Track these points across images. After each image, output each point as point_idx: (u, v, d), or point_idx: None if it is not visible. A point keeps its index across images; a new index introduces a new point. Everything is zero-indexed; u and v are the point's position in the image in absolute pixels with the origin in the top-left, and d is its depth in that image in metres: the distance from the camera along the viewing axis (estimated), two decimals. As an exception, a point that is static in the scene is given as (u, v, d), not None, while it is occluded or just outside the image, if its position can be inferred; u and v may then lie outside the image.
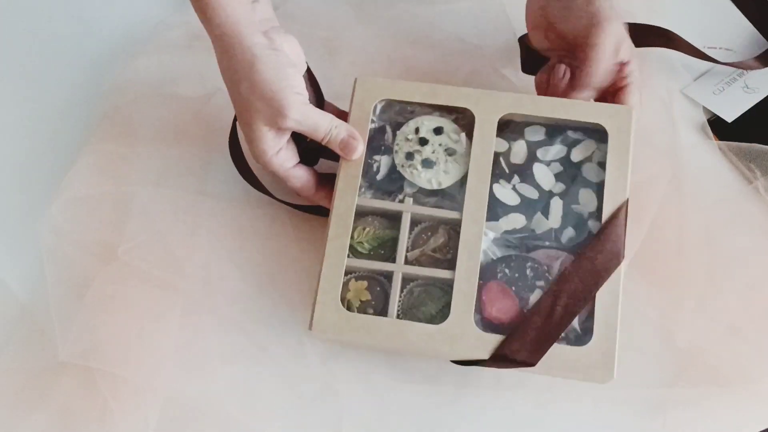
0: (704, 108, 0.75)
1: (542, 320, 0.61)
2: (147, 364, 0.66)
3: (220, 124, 0.75)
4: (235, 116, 0.70)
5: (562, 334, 0.61)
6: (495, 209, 0.65)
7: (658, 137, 0.71)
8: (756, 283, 0.67)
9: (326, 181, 0.68)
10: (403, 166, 0.67)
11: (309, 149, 0.69)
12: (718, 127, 0.75)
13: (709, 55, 0.76)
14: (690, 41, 0.76)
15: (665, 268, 0.68)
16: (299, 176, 0.67)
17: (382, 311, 0.64)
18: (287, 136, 0.66)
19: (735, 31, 0.79)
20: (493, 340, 0.61)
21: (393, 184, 0.67)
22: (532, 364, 0.61)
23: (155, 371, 0.66)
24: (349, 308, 0.64)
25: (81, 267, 0.70)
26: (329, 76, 0.69)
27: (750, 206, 0.70)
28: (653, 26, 0.76)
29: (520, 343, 0.61)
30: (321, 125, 0.65)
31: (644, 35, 0.75)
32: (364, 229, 0.66)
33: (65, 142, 0.77)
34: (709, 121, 0.75)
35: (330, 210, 0.66)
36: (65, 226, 0.71)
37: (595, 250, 0.63)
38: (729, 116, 0.75)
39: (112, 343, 0.67)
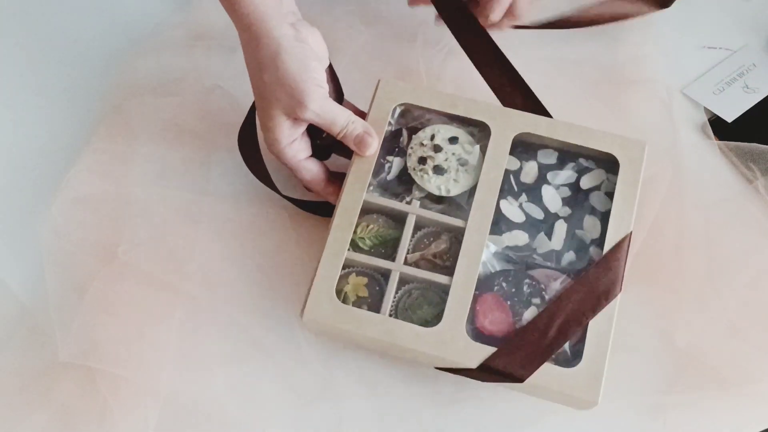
0: (704, 108, 0.76)
1: (537, 337, 0.61)
2: (147, 364, 0.66)
3: (220, 123, 0.75)
4: (252, 107, 0.70)
5: (552, 356, 0.61)
6: (499, 224, 0.66)
7: (658, 137, 0.71)
8: (755, 282, 0.67)
9: (335, 178, 0.69)
10: (414, 169, 0.67)
11: (322, 145, 0.69)
12: (718, 127, 0.75)
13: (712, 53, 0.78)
14: (689, 41, 0.78)
15: (665, 268, 0.68)
16: (310, 168, 0.68)
17: (376, 310, 0.63)
18: (303, 127, 0.67)
19: (734, 31, 0.81)
20: (483, 350, 0.61)
21: (402, 186, 0.67)
22: (521, 380, 0.60)
23: (155, 371, 0.66)
24: (344, 301, 0.63)
25: (81, 267, 0.69)
26: None
27: (750, 206, 0.70)
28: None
29: (512, 356, 0.61)
30: (338, 119, 0.66)
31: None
32: (367, 225, 0.66)
33: (65, 142, 0.76)
34: (709, 121, 0.75)
35: (337, 202, 0.66)
36: (65, 226, 0.71)
37: (596, 275, 0.63)
38: (729, 116, 0.75)
39: (112, 343, 0.66)
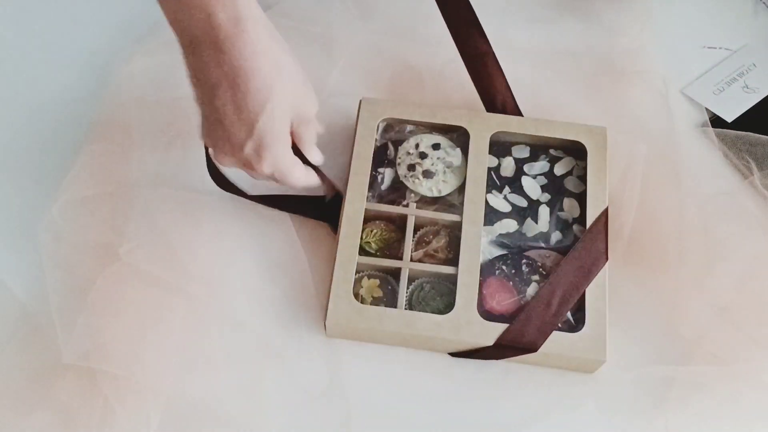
0: (704, 108, 0.79)
1: (542, 309, 0.67)
2: (149, 365, 0.66)
3: None
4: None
5: (558, 324, 0.67)
6: (489, 216, 0.72)
7: (655, 128, 0.76)
8: (749, 273, 0.70)
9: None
10: (405, 176, 0.73)
11: None
12: (718, 127, 0.77)
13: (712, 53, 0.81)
14: (689, 41, 0.81)
15: (665, 259, 0.71)
16: (299, 163, 0.65)
17: (392, 306, 0.68)
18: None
19: (735, 31, 0.84)
20: (497, 328, 0.66)
21: (396, 193, 0.73)
22: (535, 349, 0.66)
23: (158, 371, 0.66)
24: (361, 303, 0.68)
25: (82, 269, 0.69)
26: (326, 72, 0.71)
27: (745, 199, 0.73)
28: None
29: (523, 329, 0.66)
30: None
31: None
32: (371, 231, 0.71)
33: (65, 143, 0.76)
34: (709, 121, 0.78)
35: (340, 214, 0.70)
36: (66, 227, 0.71)
37: (583, 249, 0.69)
38: (729, 116, 0.78)
39: (114, 344, 0.66)
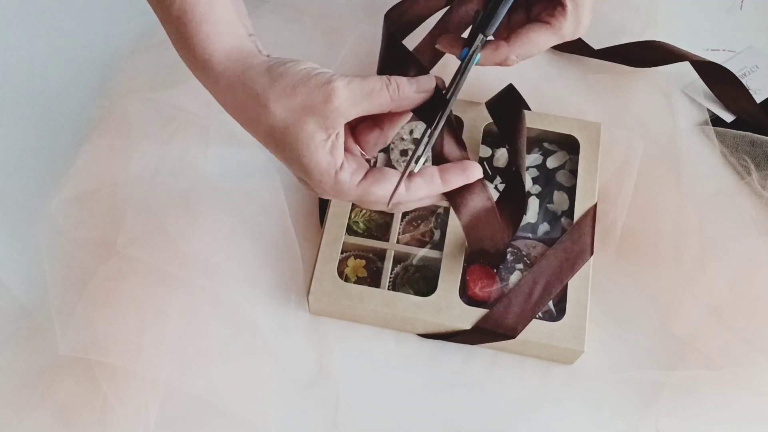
0: (705, 108, 0.79)
1: (523, 297, 0.67)
2: (147, 356, 0.66)
3: (217, 117, 0.75)
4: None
5: (539, 314, 0.67)
6: (479, 204, 0.72)
7: (658, 126, 0.76)
8: (743, 272, 0.70)
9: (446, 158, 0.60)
10: (397, 161, 0.74)
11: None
12: (718, 127, 0.77)
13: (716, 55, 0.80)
14: (692, 43, 0.80)
15: (660, 258, 0.71)
16: (379, 182, 0.56)
17: (376, 286, 0.69)
18: (341, 137, 0.55)
19: (737, 33, 0.84)
20: (476, 313, 0.67)
21: (387, 177, 0.74)
22: (513, 336, 0.66)
23: (156, 362, 0.66)
24: (346, 281, 0.69)
25: (81, 264, 0.70)
26: (329, 64, 0.70)
27: (742, 200, 0.73)
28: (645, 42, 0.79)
29: (503, 316, 0.66)
30: (373, 84, 0.54)
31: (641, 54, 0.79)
32: (360, 211, 0.72)
33: (64, 140, 0.77)
34: (710, 120, 0.78)
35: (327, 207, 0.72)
36: (65, 224, 0.72)
37: (570, 242, 0.70)
38: (729, 116, 0.79)
39: (112, 336, 0.66)
